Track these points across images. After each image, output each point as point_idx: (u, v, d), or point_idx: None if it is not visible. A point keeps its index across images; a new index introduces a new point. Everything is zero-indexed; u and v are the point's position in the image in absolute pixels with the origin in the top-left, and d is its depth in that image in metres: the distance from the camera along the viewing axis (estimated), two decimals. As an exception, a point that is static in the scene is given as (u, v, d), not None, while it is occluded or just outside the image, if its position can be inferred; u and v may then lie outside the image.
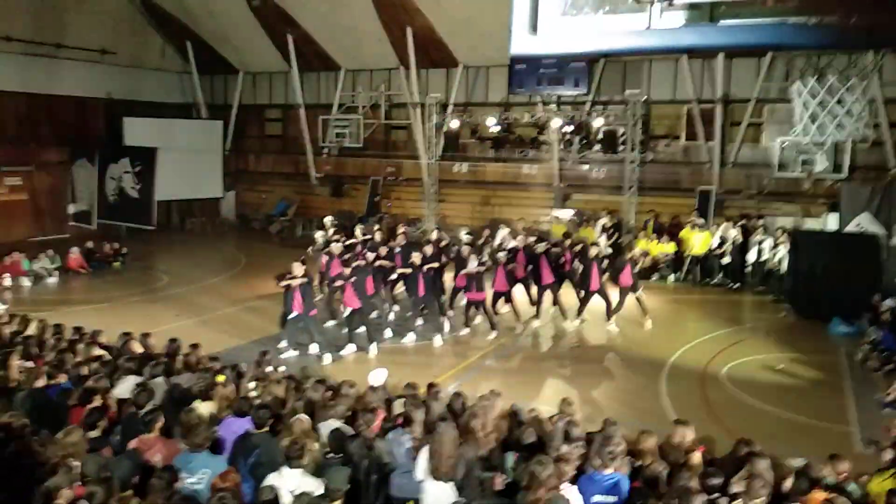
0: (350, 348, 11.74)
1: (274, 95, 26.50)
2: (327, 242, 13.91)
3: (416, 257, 12.60)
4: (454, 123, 20.48)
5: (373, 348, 11.72)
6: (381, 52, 22.52)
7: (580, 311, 13.36)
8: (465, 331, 12.92)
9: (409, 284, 12.92)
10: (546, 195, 21.31)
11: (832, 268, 13.39)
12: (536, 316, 13.43)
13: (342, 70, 24.20)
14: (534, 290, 13.66)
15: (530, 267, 13.58)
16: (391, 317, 13.62)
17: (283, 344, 11.56)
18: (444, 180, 22.41)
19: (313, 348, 11.60)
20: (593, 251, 13.22)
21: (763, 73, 18.27)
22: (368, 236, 14.68)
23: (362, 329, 12.05)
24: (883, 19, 3.41)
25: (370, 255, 12.75)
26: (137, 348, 9.30)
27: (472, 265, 12.55)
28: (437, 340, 12.39)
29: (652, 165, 19.94)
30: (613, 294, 13.39)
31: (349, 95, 24.21)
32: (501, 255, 13.21)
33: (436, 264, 12.87)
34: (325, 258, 13.30)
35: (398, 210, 23.59)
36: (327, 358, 11.31)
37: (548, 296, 13.43)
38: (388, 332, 12.63)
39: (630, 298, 13.31)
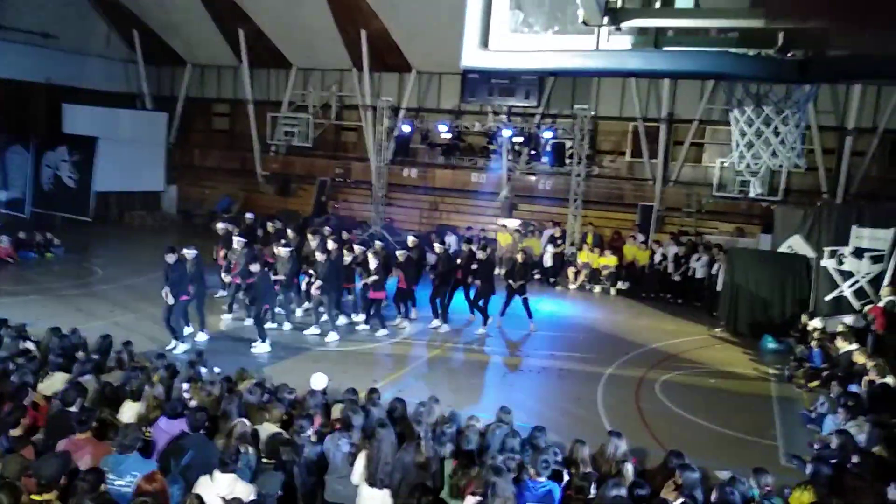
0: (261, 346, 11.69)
1: (222, 90, 26.00)
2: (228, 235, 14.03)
3: (318, 255, 12.68)
4: (405, 128, 20.49)
5: (264, 346, 11.67)
6: (334, 53, 22.39)
7: (484, 318, 13.63)
8: (381, 331, 13.05)
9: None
10: (494, 203, 21.53)
11: (765, 286, 13.90)
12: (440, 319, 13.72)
13: (293, 68, 23.96)
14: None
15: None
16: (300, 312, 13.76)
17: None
18: (393, 184, 22.39)
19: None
20: (481, 255, 13.63)
21: (706, 96, 18.89)
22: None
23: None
24: (817, 56, 3.57)
25: (283, 252, 12.76)
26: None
27: (373, 265, 12.82)
28: (332, 337, 12.47)
29: (597, 179, 20.39)
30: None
31: (300, 94, 23.98)
32: (400, 254, 13.42)
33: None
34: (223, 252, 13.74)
35: (345, 212, 23.45)
36: (181, 347, 11.28)
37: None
38: (287, 326, 12.83)
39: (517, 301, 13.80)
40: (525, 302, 13.79)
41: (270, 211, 21.36)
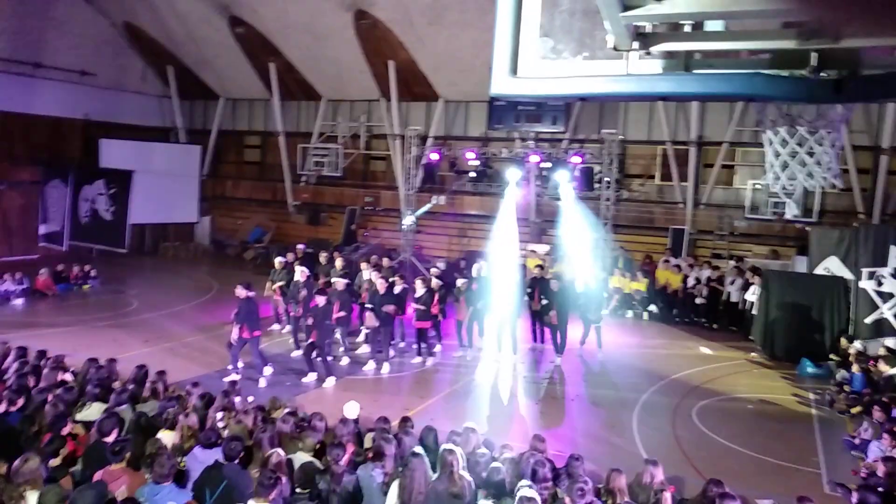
0: (311, 377, 11.65)
1: (254, 122, 26.53)
2: (286, 268, 13.99)
3: (380, 286, 12.54)
4: (433, 156, 20.61)
5: (330, 380, 11.59)
6: (362, 84, 22.73)
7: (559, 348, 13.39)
8: (417, 359, 13.02)
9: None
10: (522, 229, 21.45)
11: (802, 309, 13.61)
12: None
13: (323, 99, 24.35)
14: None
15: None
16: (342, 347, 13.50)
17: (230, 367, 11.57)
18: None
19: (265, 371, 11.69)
20: (554, 286, 13.40)
21: (736, 117, 18.75)
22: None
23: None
24: (852, 75, 3.53)
25: (339, 283, 12.66)
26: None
27: (420, 292, 12.77)
28: (385, 368, 12.39)
29: (626, 203, 20.26)
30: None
31: (329, 125, 24.33)
32: (460, 283, 13.45)
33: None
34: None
35: (374, 240, 23.59)
36: (262, 382, 11.36)
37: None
38: (345, 360, 12.71)
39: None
40: (598, 330, 13.86)
41: (301, 240, 21.55)
